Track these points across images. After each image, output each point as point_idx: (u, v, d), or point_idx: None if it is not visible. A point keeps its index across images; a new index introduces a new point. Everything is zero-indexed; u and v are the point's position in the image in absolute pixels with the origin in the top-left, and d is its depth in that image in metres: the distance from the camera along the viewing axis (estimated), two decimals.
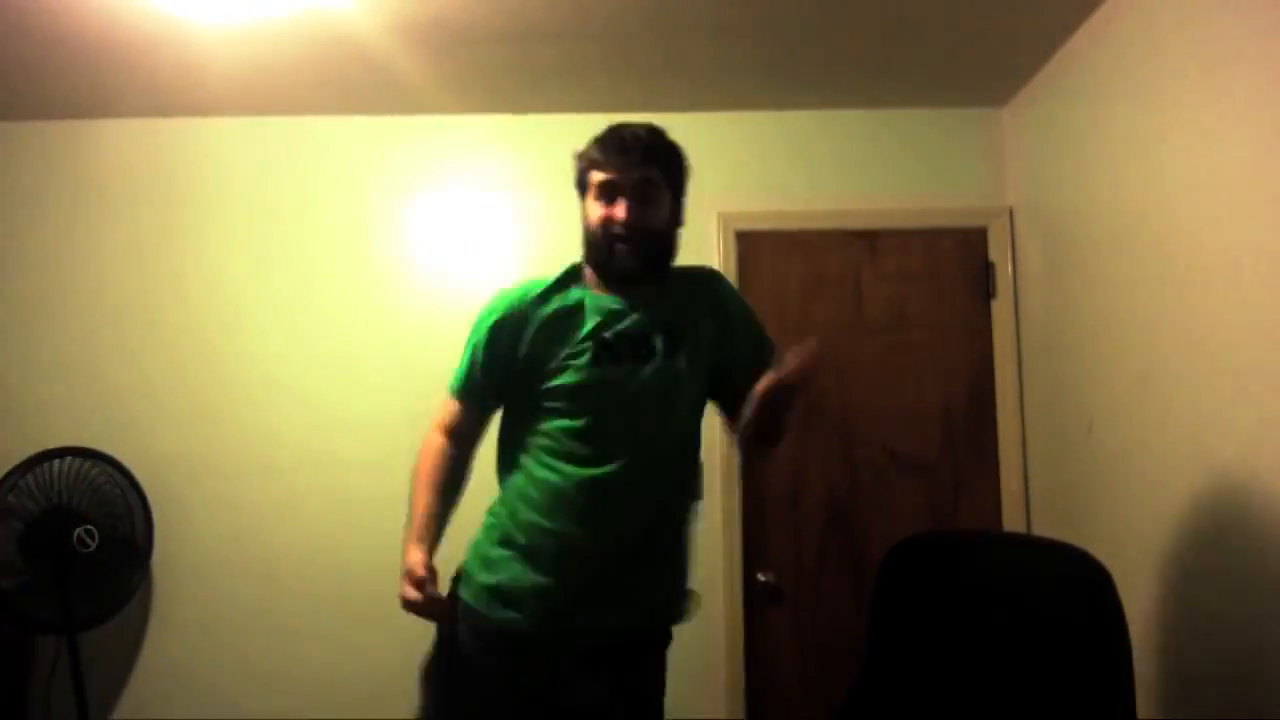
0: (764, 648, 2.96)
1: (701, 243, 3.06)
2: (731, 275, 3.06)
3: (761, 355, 1.87)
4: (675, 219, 1.89)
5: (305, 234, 3.14)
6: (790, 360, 1.67)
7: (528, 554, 1.80)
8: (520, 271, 3.05)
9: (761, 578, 2.98)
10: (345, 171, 3.18)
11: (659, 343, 1.83)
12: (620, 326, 1.82)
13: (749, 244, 3.10)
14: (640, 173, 1.81)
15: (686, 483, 1.93)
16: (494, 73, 2.85)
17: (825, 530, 3.01)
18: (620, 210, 1.80)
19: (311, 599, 2.98)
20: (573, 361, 1.80)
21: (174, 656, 2.98)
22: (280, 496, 3.02)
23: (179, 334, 3.10)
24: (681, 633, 1.93)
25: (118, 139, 3.17)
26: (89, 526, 2.69)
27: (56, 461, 2.71)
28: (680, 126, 2.20)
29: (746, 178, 3.14)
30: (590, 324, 1.82)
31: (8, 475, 2.64)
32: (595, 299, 1.85)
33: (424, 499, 1.85)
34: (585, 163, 1.86)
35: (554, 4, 2.44)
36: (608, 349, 1.80)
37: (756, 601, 2.97)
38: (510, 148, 3.18)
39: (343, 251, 3.14)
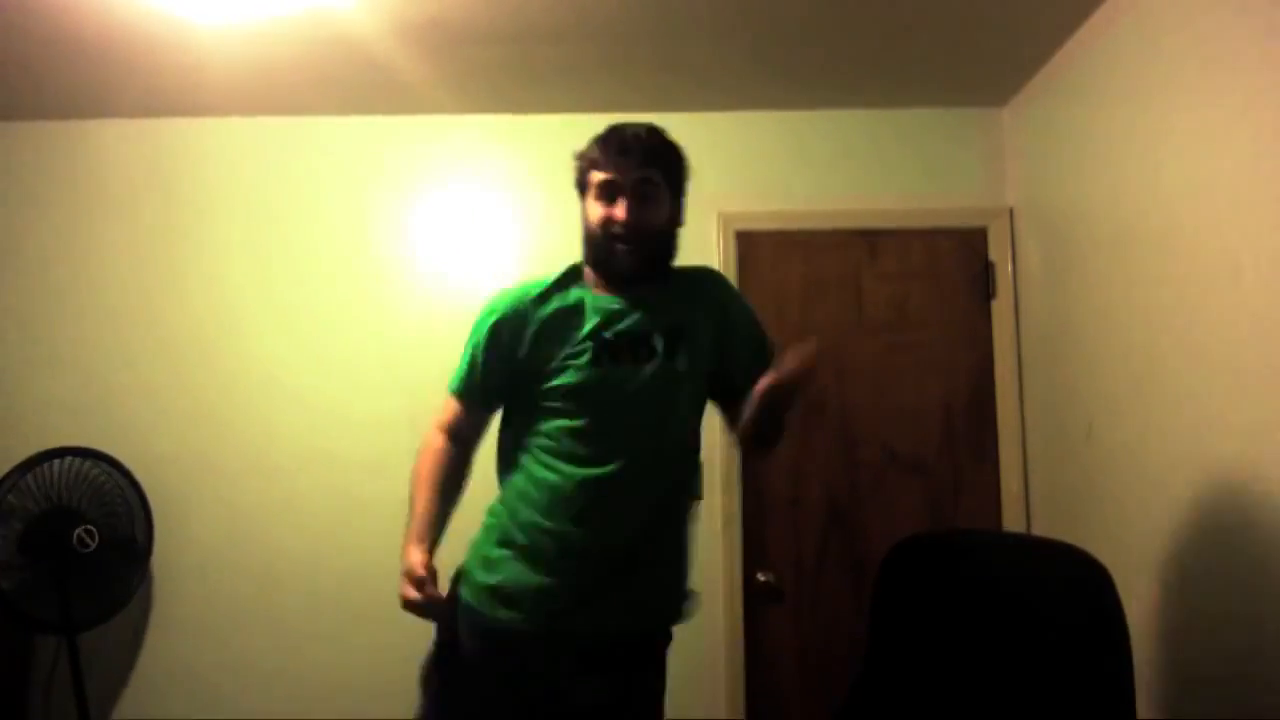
0: (764, 648, 2.96)
1: (701, 243, 3.06)
2: (731, 275, 3.06)
3: (762, 356, 1.87)
4: (675, 219, 1.89)
5: (305, 234, 3.14)
6: (789, 360, 1.67)
7: (528, 554, 1.80)
8: (520, 271, 3.07)
9: (761, 578, 2.98)
10: (345, 171, 3.18)
11: (658, 343, 1.83)
12: (620, 326, 1.82)
13: (749, 244, 3.10)
14: (640, 173, 1.81)
15: (686, 482, 1.93)
16: (494, 73, 2.85)
17: (825, 530, 3.01)
18: (620, 210, 1.80)
19: (312, 599, 2.98)
20: (572, 361, 1.80)
21: (174, 656, 2.98)
22: (280, 496, 3.02)
23: (179, 334, 3.10)
24: (681, 633, 1.93)
25: (118, 139, 3.17)
26: (89, 526, 2.69)
27: (56, 461, 2.71)
28: (680, 126, 2.20)
29: (746, 178, 3.14)
30: (590, 324, 1.82)
31: (8, 475, 2.64)
32: (595, 299, 1.85)
33: (424, 499, 1.85)
34: (585, 162, 1.86)
35: (554, 4, 2.44)
36: (607, 349, 1.80)
37: (756, 601, 2.96)
38: (510, 148, 3.18)
39: (343, 252, 3.14)
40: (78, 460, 2.75)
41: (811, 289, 3.09)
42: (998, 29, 2.59)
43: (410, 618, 1.77)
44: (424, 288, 3.12)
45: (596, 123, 1.86)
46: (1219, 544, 1.94)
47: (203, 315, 3.11)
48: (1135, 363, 2.28)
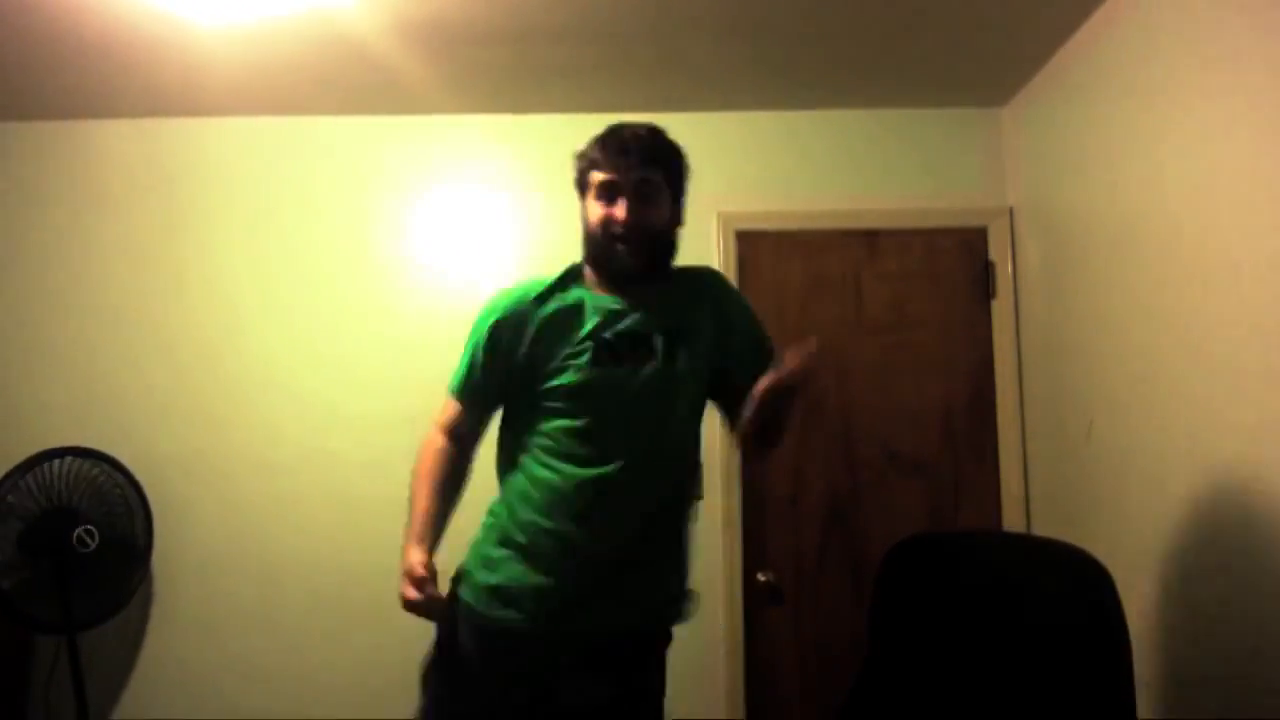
0: (764, 648, 2.96)
1: (701, 243, 3.06)
2: (731, 275, 3.06)
3: (761, 358, 1.86)
4: (675, 219, 1.90)
5: (305, 234, 3.14)
6: (790, 360, 1.67)
7: (527, 554, 1.80)
8: (520, 271, 3.07)
9: (761, 578, 2.97)
10: (345, 171, 3.18)
11: (659, 343, 1.83)
12: (620, 326, 1.83)
13: (749, 244, 3.10)
14: (640, 173, 1.82)
15: (686, 482, 1.93)
16: (494, 73, 2.85)
17: (825, 530, 3.01)
18: (620, 210, 1.81)
19: (312, 598, 2.98)
20: (573, 361, 1.81)
21: (174, 656, 2.98)
22: (280, 496, 3.03)
23: (179, 334, 3.10)
24: (681, 633, 1.93)
25: (118, 139, 3.17)
26: (89, 526, 2.69)
27: (56, 461, 2.71)
28: (680, 126, 2.21)
29: (746, 178, 3.14)
30: (590, 324, 1.83)
31: (8, 475, 2.64)
32: (595, 299, 1.86)
33: (424, 499, 1.86)
34: (585, 162, 1.87)
35: (554, 4, 2.44)
36: (608, 349, 1.81)
37: (756, 601, 2.96)
38: (510, 148, 3.18)
39: (343, 252, 3.14)
40: (78, 460, 2.75)
41: (811, 289, 3.09)
42: (998, 29, 2.59)
43: (409, 617, 1.78)
44: (424, 288, 3.12)
45: (596, 123, 1.87)
46: (1219, 544, 1.94)
47: (203, 315, 3.11)
48: (1135, 363, 2.28)
